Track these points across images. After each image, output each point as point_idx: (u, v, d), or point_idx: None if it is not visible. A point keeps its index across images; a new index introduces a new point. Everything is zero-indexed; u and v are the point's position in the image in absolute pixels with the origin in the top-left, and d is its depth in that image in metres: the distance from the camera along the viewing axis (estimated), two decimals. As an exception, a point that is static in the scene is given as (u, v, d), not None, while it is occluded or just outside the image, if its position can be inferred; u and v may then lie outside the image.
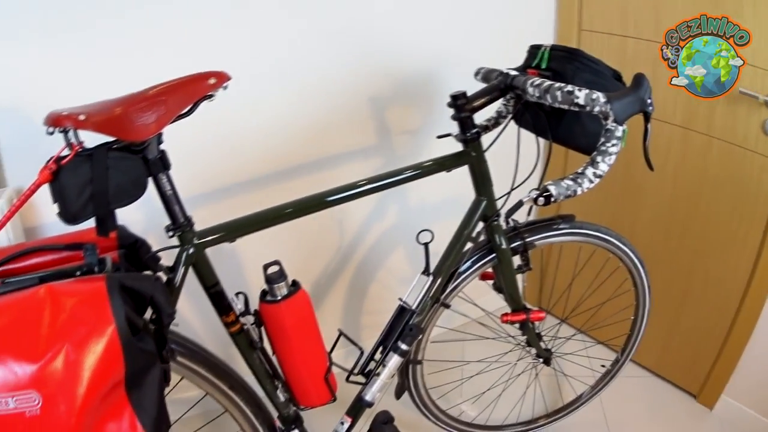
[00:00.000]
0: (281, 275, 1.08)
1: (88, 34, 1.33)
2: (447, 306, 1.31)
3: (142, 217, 1.29)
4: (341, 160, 1.66)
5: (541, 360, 1.52)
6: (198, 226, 1.04)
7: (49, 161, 0.89)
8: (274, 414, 1.23)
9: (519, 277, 1.36)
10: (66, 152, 0.89)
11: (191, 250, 1.02)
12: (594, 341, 1.96)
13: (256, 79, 1.49)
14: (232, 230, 1.05)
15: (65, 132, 0.89)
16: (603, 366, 1.66)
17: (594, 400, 1.67)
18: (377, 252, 1.86)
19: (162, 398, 0.89)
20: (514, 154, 1.21)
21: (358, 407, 1.25)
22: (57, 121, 0.88)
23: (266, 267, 1.09)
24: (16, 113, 1.37)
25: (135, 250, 0.99)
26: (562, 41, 1.81)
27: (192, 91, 0.98)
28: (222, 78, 0.99)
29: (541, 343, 1.50)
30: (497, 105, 1.28)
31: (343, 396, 1.25)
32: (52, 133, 0.90)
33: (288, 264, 1.12)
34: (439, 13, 1.66)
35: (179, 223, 1.00)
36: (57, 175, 0.88)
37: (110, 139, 0.93)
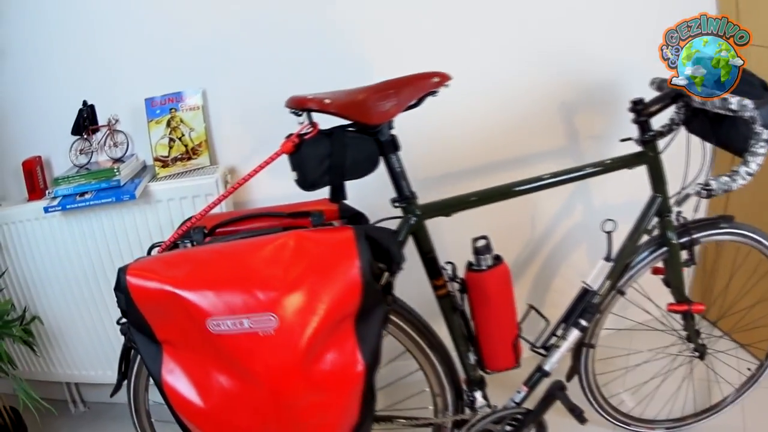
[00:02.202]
0: (488, 248, 1.16)
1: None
2: (622, 293, 1.35)
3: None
4: (535, 160, 1.71)
5: (697, 354, 1.51)
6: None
7: (291, 135, 1.01)
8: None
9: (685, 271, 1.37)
10: (306, 130, 1.00)
11: (413, 220, 1.11)
12: (738, 344, 1.88)
13: (468, 82, 1.56)
14: (451, 206, 1.14)
15: (308, 112, 1.01)
16: (749, 369, 1.61)
17: (736, 406, 1.60)
18: (563, 248, 1.90)
19: (381, 335, 0.97)
20: (684, 158, 1.26)
21: (535, 377, 1.29)
22: (301, 103, 1.00)
23: (475, 240, 1.17)
24: (227, 104, 1.57)
25: (356, 221, 1.10)
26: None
27: (419, 87, 1.08)
28: (444, 78, 1.09)
29: (698, 339, 1.49)
30: (670, 113, 1.31)
31: (519, 374, 1.30)
32: (298, 114, 1.02)
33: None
34: (625, 26, 1.71)
35: (405, 196, 1.10)
36: (299, 148, 1.00)
37: (343, 122, 1.05)
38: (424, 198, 1.15)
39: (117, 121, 1.54)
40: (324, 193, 1.07)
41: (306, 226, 1.02)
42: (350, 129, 1.05)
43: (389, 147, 1.08)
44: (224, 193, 1.08)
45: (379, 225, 1.05)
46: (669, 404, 1.65)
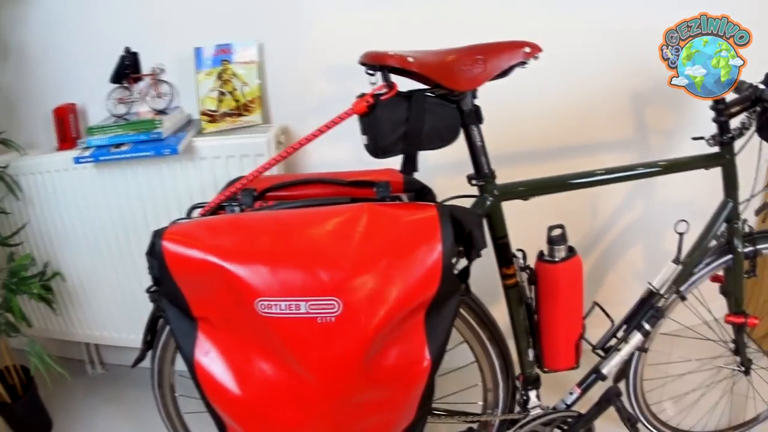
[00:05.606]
0: (563, 238, 0.99)
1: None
2: (684, 298, 1.22)
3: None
4: (601, 150, 1.57)
5: (743, 368, 1.39)
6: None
7: (365, 95, 0.85)
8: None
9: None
10: (382, 90, 0.85)
11: (489, 201, 0.94)
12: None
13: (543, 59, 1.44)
14: (532, 189, 0.97)
15: (384, 71, 0.85)
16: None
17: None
18: (620, 243, 1.73)
19: (451, 330, 0.81)
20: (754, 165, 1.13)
21: (591, 380, 1.14)
22: (379, 59, 0.84)
23: (551, 229, 1.01)
24: (286, 59, 1.38)
25: (421, 197, 0.93)
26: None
27: (511, 55, 0.91)
28: (535, 49, 0.92)
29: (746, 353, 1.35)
30: (742, 117, 1.18)
31: (569, 374, 1.15)
32: (371, 73, 0.87)
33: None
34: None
35: (483, 174, 0.94)
36: (372, 109, 0.84)
37: (421, 86, 0.89)
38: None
39: (162, 70, 1.35)
40: (384, 162, 0.92)
41: (369, 198, 0.86)
42: (431, 94, 0.89)
43: (472, 117, 0.91)
44: (282, 152, 0.89)
45: (463, 207, 0.90)
46: (706, 416, 1.53)
